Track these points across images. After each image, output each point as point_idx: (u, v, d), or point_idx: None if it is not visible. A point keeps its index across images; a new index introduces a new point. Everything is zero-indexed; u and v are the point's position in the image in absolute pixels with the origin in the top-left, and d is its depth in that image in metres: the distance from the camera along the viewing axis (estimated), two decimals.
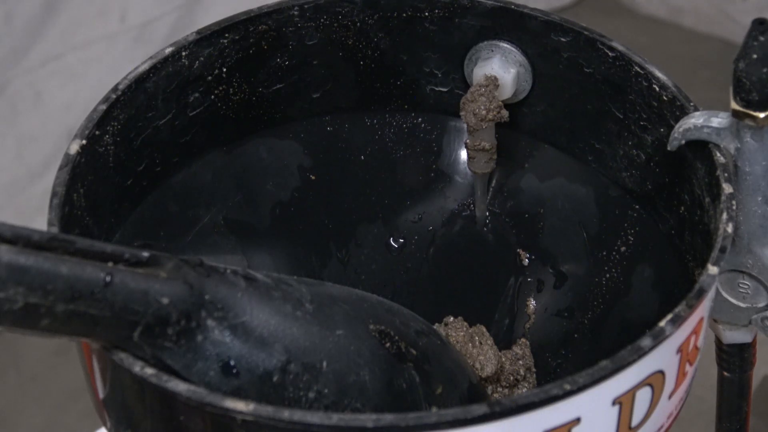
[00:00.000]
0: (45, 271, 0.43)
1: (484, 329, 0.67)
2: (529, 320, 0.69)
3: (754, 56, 0.52)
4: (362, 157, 0.70)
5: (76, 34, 1.51)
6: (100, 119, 0.58)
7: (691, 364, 0.53)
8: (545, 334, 0.68)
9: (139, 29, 1.56)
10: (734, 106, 0.54)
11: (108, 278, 0.45)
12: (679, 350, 0.51)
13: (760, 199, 0.55)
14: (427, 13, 0.66)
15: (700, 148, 0.57)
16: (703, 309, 0.52)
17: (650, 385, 0.50)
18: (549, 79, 0.65)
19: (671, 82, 0.60)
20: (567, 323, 0.68)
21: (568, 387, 0.46)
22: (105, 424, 0.53)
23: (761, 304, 0.59)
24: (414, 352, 0.56)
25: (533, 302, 0.69)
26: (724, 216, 0.53)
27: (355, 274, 0.70)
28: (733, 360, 0.63)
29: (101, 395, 0.52)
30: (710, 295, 0.52)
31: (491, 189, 0.70)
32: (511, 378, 0.66)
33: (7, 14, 1.43)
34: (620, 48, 0.62)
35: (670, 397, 0.51)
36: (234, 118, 0.66)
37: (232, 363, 0.49)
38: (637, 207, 0.64)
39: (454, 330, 0.67)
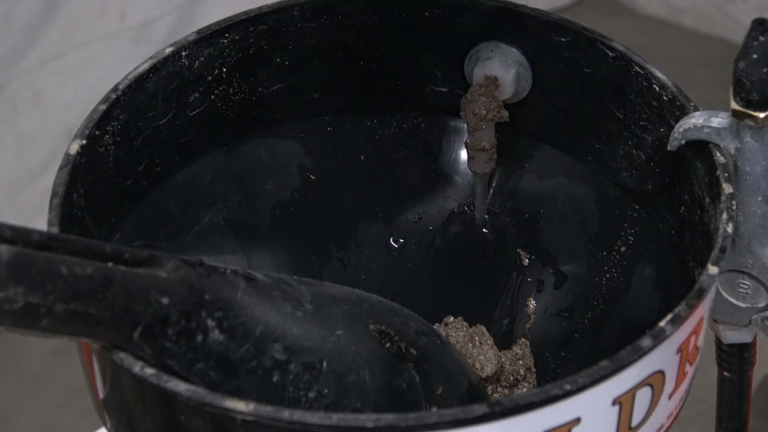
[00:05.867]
0: (45, 271, 0.43)
1: (484, 329, 0.67)
2: (529, 320, 0.69)
3: (754, 56, 0.52)
4: (362, 157, 0.70)
5: (76, 34, 1.50)
6: (100, 119, 0.58)
7: (691, 364, 0.53)
8: (545, 334, 0.68)
9: (139, 29, 1.56)
10: (734, 106, 0.54)
11: (108, 278, 0.45)
12: (679, 350, 0.51)
13: (760, 199, 0.55)
14: (427, 13, 0.66)
15: (700, 148, 0.57)
16: (703, 309, 0.52)
17: (650, 385, 0.50)
18: (549, 79, 0.65)
19: (671, 82, 0.60)
20: (567, 323, 0.68)
21: (568, 387, 0.46)
22: (105, 424, 0.53)
23: (761, 304, 0.59)
24: (414, 352, 0.56)
25: (533, 302, 0.69)
26: (724, 216, 0.53)
27: (355, 274, 0.70)
28: (733, 360, 0.63)
29: (101, 395, 0.52)
30: (710, 295, 0.52)
31: (491, 189, 0.70)
32: (511, 378, 0.66)
33: (7, 14, 1.43)
34: (620, 48, 0.62)
35: (670, 397, 0.52)
36: (234, 118, 0.66)
37: (232, 363, 0.49)
38: (637, 207, 0.64)
39: (454, 330, 0.67)
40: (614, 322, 0.65)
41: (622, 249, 0.65)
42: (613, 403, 0.48)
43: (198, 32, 0.62)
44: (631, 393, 0.49)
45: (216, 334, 0.49)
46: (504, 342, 0.68)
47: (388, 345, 0.55)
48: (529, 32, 0.65)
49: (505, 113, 0.66)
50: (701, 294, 0.50)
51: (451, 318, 0.68)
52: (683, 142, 0.57)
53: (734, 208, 0.54)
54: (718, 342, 0.63)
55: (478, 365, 0.65)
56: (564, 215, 0.68)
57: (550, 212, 0.68)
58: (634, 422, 0.50)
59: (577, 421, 0.47)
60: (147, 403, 0.49)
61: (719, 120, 0.56)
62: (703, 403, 0.91)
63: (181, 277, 0.48)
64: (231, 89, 0.65)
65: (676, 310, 0.50)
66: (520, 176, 0.69)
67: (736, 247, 0.57)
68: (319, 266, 0.69)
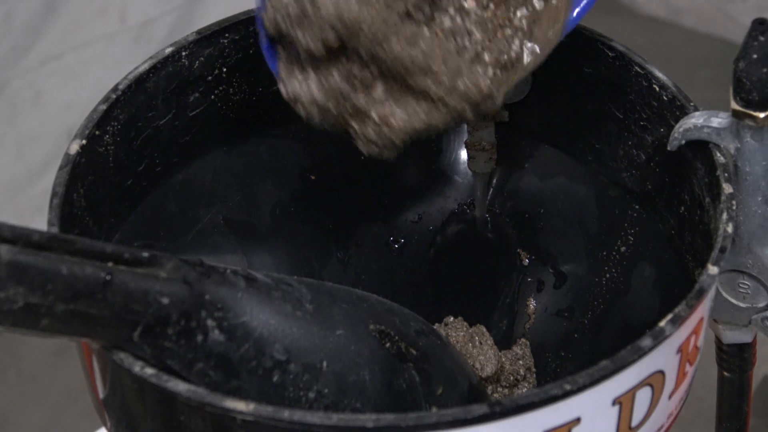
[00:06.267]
0: (45, 271, 0.43)
1: (484, 329, 0.67)
2: (529, 320, 0.69)
3: (754, 56, 0.52)
4: (362, 157, 0.70)
5: (76, 34, 1.50)
6: (100, 119, 0.58)
7: (691, 364, 0.53)
8: (545, 334, 0.68)
9: (139, 29, 1.56)
10: (734, 106, 0.54)
11: (108, 278, 0.45)
12: (679, 350, 0.51)
13: (760, 199, 0.55)
14: None
15: (700, 148, 0.57)
16: (703, 309, 0.52)
17: (650, 385, 0.50)
18: (549, 79, 0.65)
19: (671, 82, 0.60)
20: (567, 323, 0.68)
21: (568, 387, 0.46)
22: (105, 424, 0.53)
23: (761, 304, 0.59)
24: (414, 352, 0.56)
25: (533, 302, 0.69)
26: (724, 216, 0.53)
27: (355, 274, 0.70)
28: (733, 360, 0.63)
29: (101, 395, 0.52)
30: (710, 295, 0.52)
31: (491, 189, 0.70)
32: (511, 378, 0.66)
33: (7, 14, 1.43)
34: (620, 48, 0.62)
35: (670, 397, 0.51)
36: (234, 118, 0.66)
37: (232, 363, 0.49)
38: (637, 207, 0.64)
39: (454, 330, 0.67)
40: (614, 322, 0.65)
41: (622, 249, 0.65)
42: (613, 403, 0.48)
43: (198, 32, 0.62)
44: (631, 393, 0.49)
45: (216, 334, 0.49)
46: (504, 342, 0.68)
47: (388, 345, 0.55)
48: None
49: (505, 113, 0.66)
50: (701, 294, 0.50)
51: (451, 318, 0.68)
52: (683, 142, 0.57)
53: (734, 208, 0.54)
54: (718, 342, 0.63)
55: (478, 365, 0.65)
56: (564, 215, 0.68)
57: (550, 212, 0.68)
58: (634, 422, 0.50)
59: (577, 421, 0.47)
60: (147, 403, 0.49)
61: (719, 120, 0.56)
62: (703, 403, 0.91)
63: (181, 277, 0.48)
64: (231, 89, 0.65)
65: (676, 310, 0.49)
66: (520, 176, 0.69)
67: (736, 247, 0.57)
68: (319, 266, 0.69)
